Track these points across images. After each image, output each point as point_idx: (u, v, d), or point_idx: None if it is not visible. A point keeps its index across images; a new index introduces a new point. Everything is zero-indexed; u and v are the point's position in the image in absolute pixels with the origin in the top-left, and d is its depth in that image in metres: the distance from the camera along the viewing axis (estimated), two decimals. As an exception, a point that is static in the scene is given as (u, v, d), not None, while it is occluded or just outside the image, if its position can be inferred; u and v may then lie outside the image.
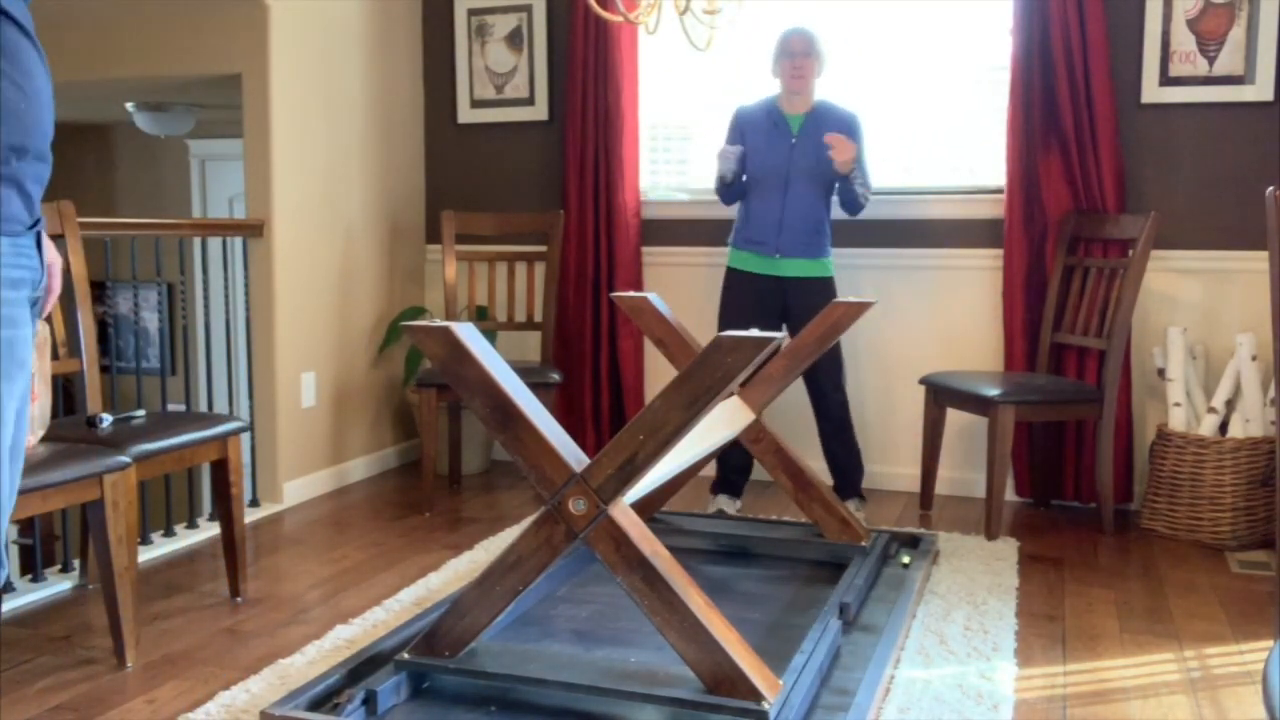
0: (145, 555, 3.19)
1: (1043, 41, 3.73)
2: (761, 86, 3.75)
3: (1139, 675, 2.45)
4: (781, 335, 1.96)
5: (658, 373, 4.15)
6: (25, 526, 3.45)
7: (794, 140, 3.59)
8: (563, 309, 4.31)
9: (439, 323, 2.04)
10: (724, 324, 3.63)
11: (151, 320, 6.27)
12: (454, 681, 2.20)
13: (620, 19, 3.05)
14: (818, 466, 3.34)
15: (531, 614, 2.66)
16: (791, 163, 3.59)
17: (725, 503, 3.72)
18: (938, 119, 4.08)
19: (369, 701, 2.08)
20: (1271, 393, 3.45)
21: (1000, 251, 3.90)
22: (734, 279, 3.69)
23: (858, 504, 3.69)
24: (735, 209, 3.75)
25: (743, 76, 4.26)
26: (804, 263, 3.59)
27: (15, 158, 1.45)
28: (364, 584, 3.06)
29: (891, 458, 4.12)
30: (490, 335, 4.28)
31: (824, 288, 3.60)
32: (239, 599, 2.92)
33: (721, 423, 2.83)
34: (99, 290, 6.04)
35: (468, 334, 2.06)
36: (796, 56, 3.58)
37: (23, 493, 2.30)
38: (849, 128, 3.59)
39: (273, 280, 3.84)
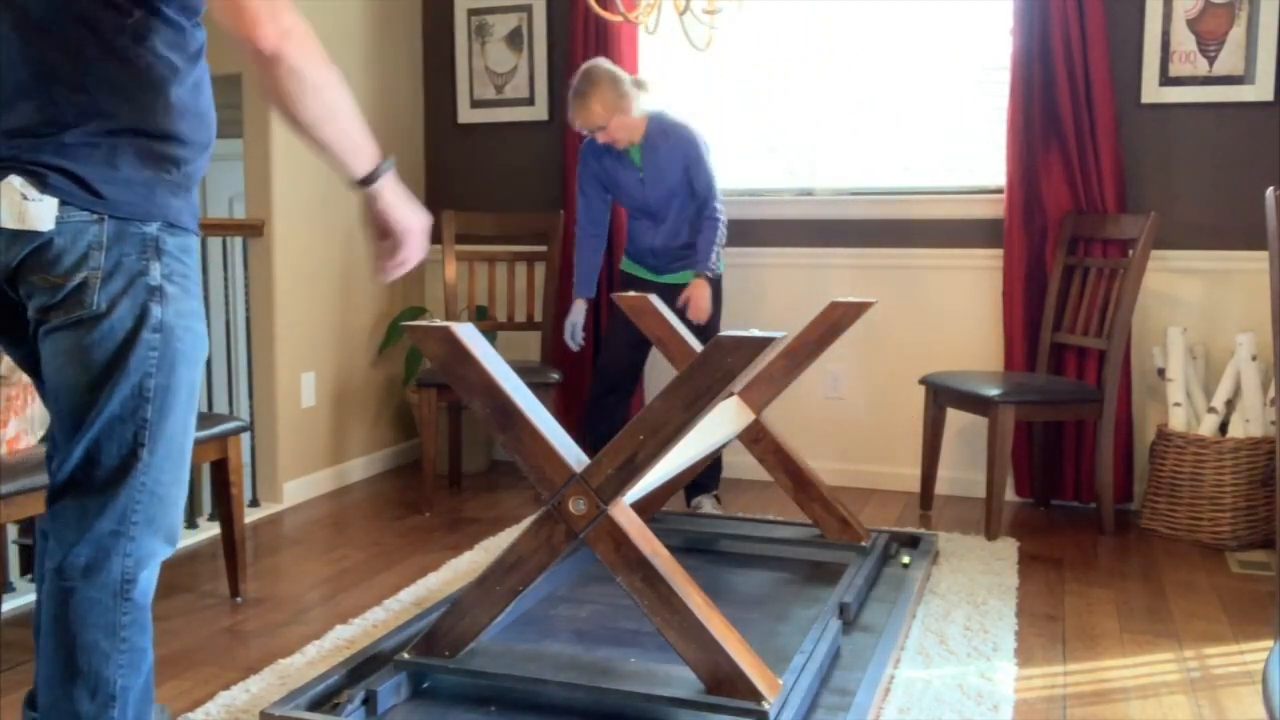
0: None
1: (1043, 41, 3.73)
2: (760, 86, 3.76)
3: (1139, 675, 2.45)
4: (782, 335, 1.96)
5: (658, 373, 4.15)
6: (25, 526, 3.45)
7: (640, 174, 3.56)
8: (563, 309, 4.30)
9: (439, 323, 2.04)
10: (617, 326, 3.64)
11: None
12: (454, 681, 2.20)
13: (620, 19, 3.06)
14: (818, 466, 3.34)
15: (531, 614, 2.66)
16: (646, 194, 3.58)
17: (706, 502, 3.71)
18: (938, 119, 4.08)
19: (369, 701, 2.08)
20: (1271, 393, 3.45)
21: (1000, 251, 3.90)
22: (626, 281, 3.78)
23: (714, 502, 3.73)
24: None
25: (743, 77, 4.26)
26: (686, 273, 3.61)
27: (203, 156, 1.61)
28: (364, 584, 3.06)
29: (891, 458, 4.12)
30: (490, 335, 4.28)
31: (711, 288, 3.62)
32: (239, 599, 2.92)
33: (721, 423, 2.83)
34: (99, 290, 6.03)
35: (468, 334, 2.06)
36: (586, 130, 3.49)
37: (23, 493, 2.30)
38: (684, 153, 3.49)
39: (272, 280, 3.84)
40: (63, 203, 1.49)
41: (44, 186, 1.48)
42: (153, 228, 1.55)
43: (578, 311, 3.75)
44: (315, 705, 2.09)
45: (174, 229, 1.58)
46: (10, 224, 1.49)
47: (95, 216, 1.50)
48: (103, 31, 1.51)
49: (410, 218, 1.62)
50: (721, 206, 3.53)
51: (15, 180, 1.48)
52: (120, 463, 1.55)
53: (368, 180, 1.57)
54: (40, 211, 1.48)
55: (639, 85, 3.51)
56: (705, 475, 3.65)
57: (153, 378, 1.54)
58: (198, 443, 2.75)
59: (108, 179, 1.51)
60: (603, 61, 3.52)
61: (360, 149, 1.56)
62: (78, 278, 1.50)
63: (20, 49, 1.52)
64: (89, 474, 1.55)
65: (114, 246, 1.52)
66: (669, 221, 3.60)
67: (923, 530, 3.51)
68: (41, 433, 2.53)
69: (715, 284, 3.61)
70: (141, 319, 1.53)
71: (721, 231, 3.51)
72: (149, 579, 1.65)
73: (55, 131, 1.50)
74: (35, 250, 1.50)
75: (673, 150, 3.51)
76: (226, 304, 4.17)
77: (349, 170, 1.56)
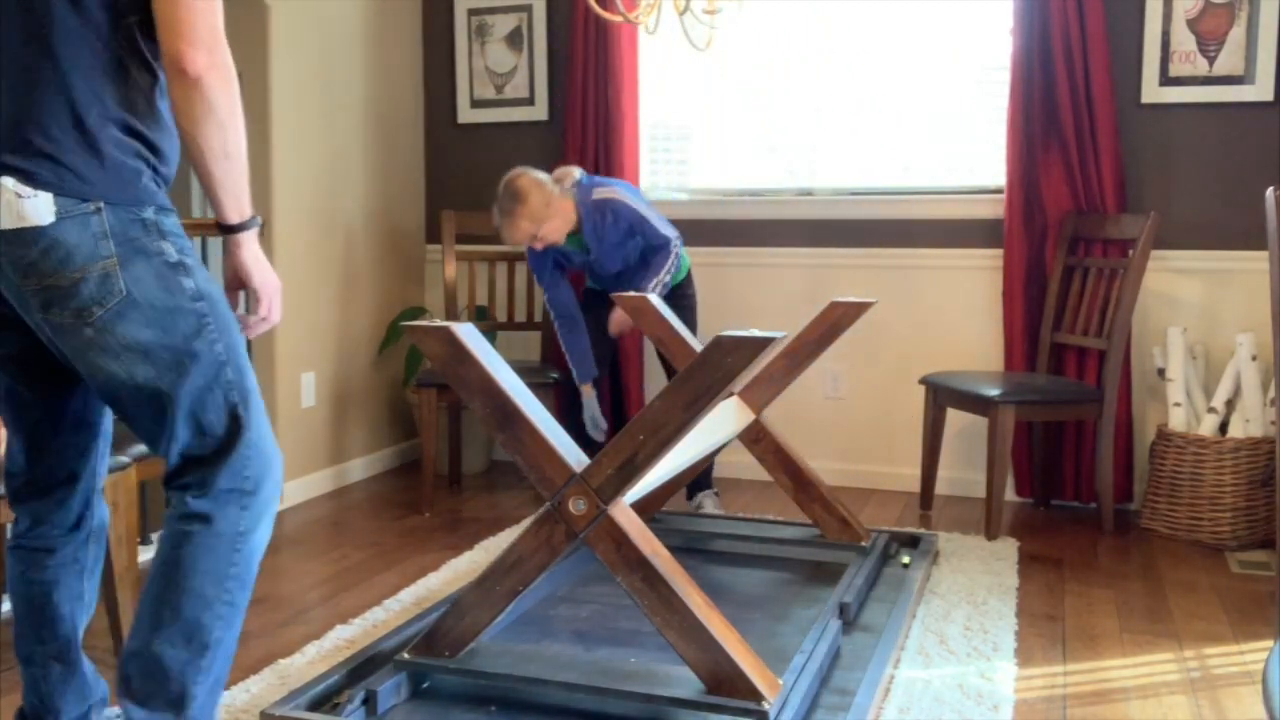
0: (145, 555, 3.18)
1: (1043, 41, 3.73)
2: (760, 86, 3.75)
3: (1139, 675, 2.45)
4: (782, 335, 1.96)
5: (658, 373, 4.15)
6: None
7: (590, 255, 3.56)
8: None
9: (439, 323, 2.04)
10: (595, 334, 3.68)
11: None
12: (454, 681, 2.20)
13: (620, 19, 3.05)
14: (818, 466, 3.34)
15: (531, 614, 2.66)
16: (603, 266, 3.59)
17: (707, 502, 3.71)
18: (938, 119, 4.08)
19: (369, 701, 2.08)
20: (1271, 393, 3.45)
21: (1000, 251, 3.90)
22: (589, 294, 3.80)
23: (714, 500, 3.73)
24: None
25: (743, 77, 4.26)
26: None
27: (172, 167, 1.71)
28: (364, 584, 3.06)
29: (891, 458, 4.12)
30: (490, 335, 4.28)
31: (682, 292, 3.63)
32: (239, 599, 2.92)
33: (721, 423, 2.83)
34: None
35: (468, 334, 2.06)
36: (520, 245, 3.50)
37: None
38: (626, 222, 3.46)
39: (273, 280, 3.83)
40: (56, 195, 1.51)
41: (35, 182, 1.51)
42: (149, 212, 1.59)
43: (590, 400, 3.70)
44: (315, 705, 2.09)
45: (166, 211, 1.62)
46: (9, 224, 1.50)
47: (93, 207, 1.53)
48: (96, 31, 1.54)
49: (269, 276, 1.74)
50: (677, 240, 3.51)
51: (7, 181, 1.50)
52: (226, 428, 1.64)
53: (237, 228, 1.67)
54: (37, 206, 1.51)
55: (559, 179, 3.49)
56: (704, 472, 3.65)
57: (219, 341, 1.61)
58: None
59: (95, 167, 1.54)
60: (519, 172, 3.45)
61: (240, 196, 1.64)
62: (96, 268, 1.53)
63: (11, 52, 1.54)
64: (202, 445, 1.64)
65: (120, 232, 1.55)
66: (628, 271, 3.62)
67: (923, 530, 3.51)
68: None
69: (684, 297, 3.62)
70: (178, 293, 1.58)
71: (672, 261, 3.49)
72: (262, 539, 1.72)
73: (39, 126, 1.52)
74: (44, 252, 1.51)
75: (615, 225, 3.48)
76: (226, 304, 4.17)
77: (224, 211, 1.65)
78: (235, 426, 1.65)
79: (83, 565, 1.88)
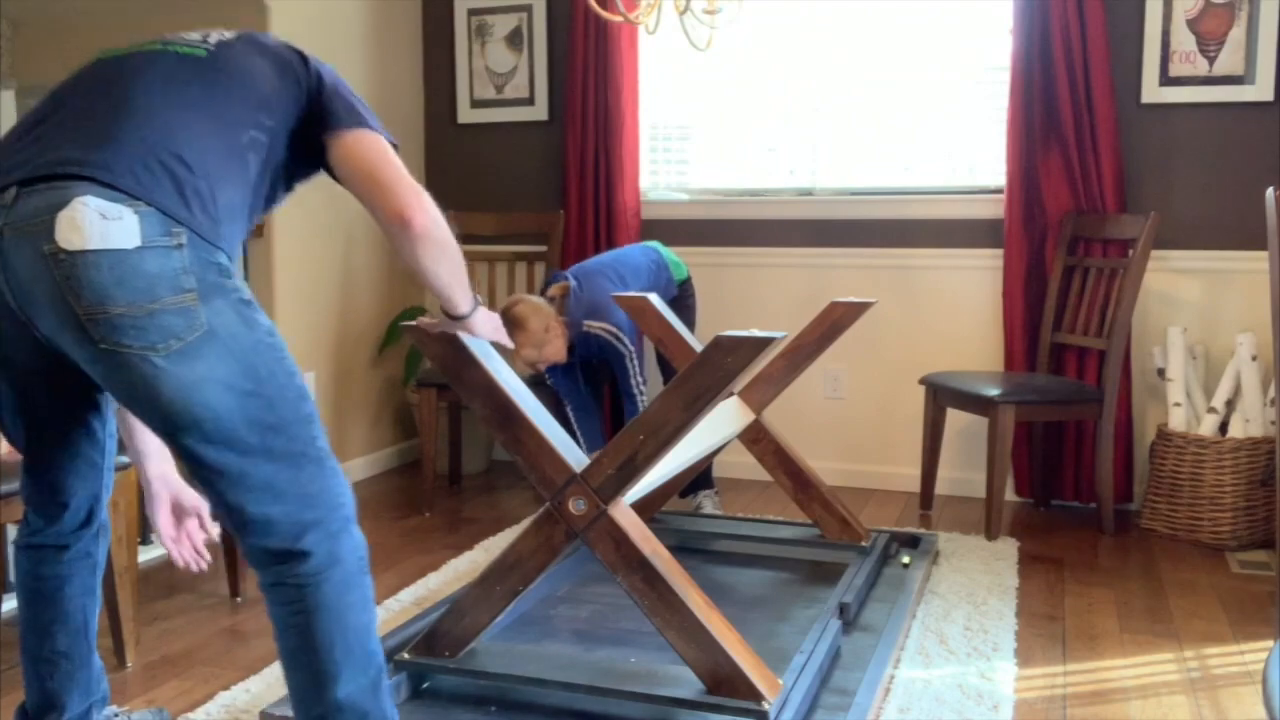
0: (145, 555, 3.18)
1: (1043, 41, 3.73)
2: (760, 86, 3.75)
3: (1139, 675, 2.46)
4: (782, 335, 1.96)
5: (657, 372, 4.15)
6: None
7: (577, 369, 3.61)
8: (563, 309, 4.31)
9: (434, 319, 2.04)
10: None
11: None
12: (454, 681, 2.21)
13: (620, 19, 3.05)
14: (818, 466, 3.34)
15: (531, 614, 2.66)
16: (588, 383, 3.67)
17: (707, 502, 3.71)
18: (938, 118, 4.08)
19: (369, 701, 2.08)
20: (1271, 393, 3.45)
21: (1000, 251, 3.90)
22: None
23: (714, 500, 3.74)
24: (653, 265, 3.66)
25: (743, 76, 4.26)
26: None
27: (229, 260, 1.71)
28: (364, 584, 3.05)
29: (891, 458, 4.12)
30: (490, 335, 4.27)
31: (682, 292, 3.65)
32: (239, 599, 2.92)
33: (721, 423, 2.83)
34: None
35: (468, 334, 2.06)
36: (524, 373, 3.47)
37: (23, 493, 2.30)
38: (611, 359, 3.47)
39: (273, 280, 3.83)
40: (142, 220, 1.50)
41: (120, 198, 1.50)
42: (221, 258, 1.59)
43: None
44: (315, 705, 2.08)
45: (232, 264, 1.63)
46: (95, 244, 1.48)
47: (175, 241, 1.52)
48: (236, 131, 1.64)
49: (494, 323, 2.06)
50: (640, 387, 3.48)
51: (90, 200, 1.49)
52: (316, 461, 1.63)
53: (468, 314, 1.94)
54: (122, 229, 1.49)
55: (553, 296, 3.47)
56: (703, 472, 3.65)
57: (295, 376, 1.62)
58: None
59: (181, 205, 1.54)
60: (516, 299, 3.41)
61: (465, 288, 1.89)
62: (176, 301, 1.51)
63: (148, 100, 1.60)
64: (295, 480, 1.60)
65: (199, 269, 1.54)
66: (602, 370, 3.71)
67: (923, 530, 3.51)
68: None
69: (684, 298, 3.65)
70: (255, 328, 1.58)
71: (633, 381, 3.48)
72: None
73: (137, 167, 1.54)
74: (119, 279, 1.48)
75: (600, 353, 3.50)
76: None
77: (456, 305, 1.91)
78: (322, 457, 1.64)
79: (95, 560, 1.89)
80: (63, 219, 1.47)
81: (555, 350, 3.40)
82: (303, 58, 1.79)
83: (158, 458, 1.96)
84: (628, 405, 3.49)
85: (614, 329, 3.41)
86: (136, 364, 1.50)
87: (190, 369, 1.51)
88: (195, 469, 1.58)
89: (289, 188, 1.84)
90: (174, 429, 1.55)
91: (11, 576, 3.02)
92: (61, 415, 1.76)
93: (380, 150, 1.72)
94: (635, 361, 3.45)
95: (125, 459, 2.50)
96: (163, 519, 1.97)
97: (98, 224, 1.47)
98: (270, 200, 1.79)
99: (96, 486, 1.86)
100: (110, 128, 1.57)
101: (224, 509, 1.60)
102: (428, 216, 1.71)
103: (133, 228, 1.49)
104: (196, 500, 2.00)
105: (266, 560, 1.61)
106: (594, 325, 3.41)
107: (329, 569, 1.61)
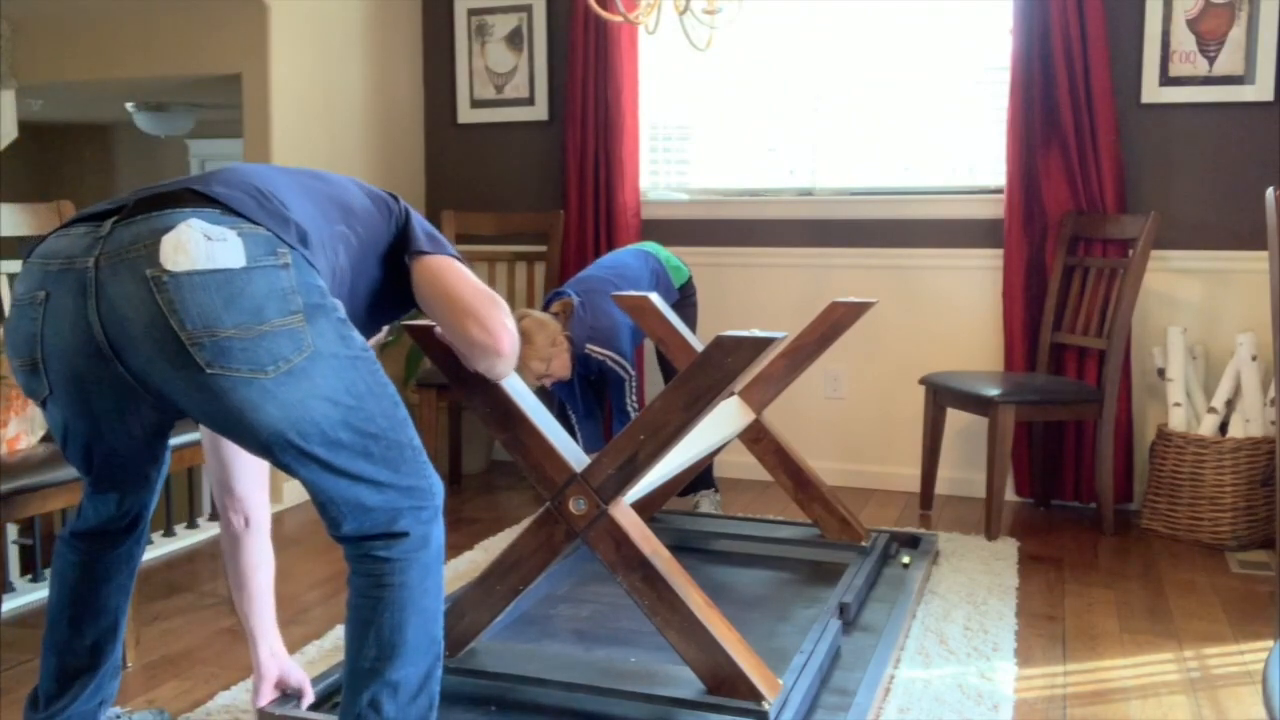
0: (145, 555, 3.18)
1: (1043, 41, 3.73)
2: (760, 86, 3.75)
3: (1139, 675, 2.46)
4: (782, 335, 1.96)
5: (657, 372, 4.15)
6: (25, 526, 3.45)
7: (573, 388, 3.58)
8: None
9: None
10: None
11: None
12: (454, 681, 2.20)
13: (620, 19, 3.05)
14: (818, 466, 3.34)
15: (531, 614, 2.66)
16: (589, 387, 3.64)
17: (705, 502, 3.71)
18: (938, 118, 4.08)
19: (369, 701, 2.08)
20: (1271, 393, 3.45)
21: (1000, 251, 3.90)
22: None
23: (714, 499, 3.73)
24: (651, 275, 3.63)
25: (743, 76, 4.26)
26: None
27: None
28: (364, 584, 3.05)
29: (891, 458, 4.12)
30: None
31: (683, 292, 3.63)
32: (239, 599, 2.92)
33: (722, 422, 2.83)
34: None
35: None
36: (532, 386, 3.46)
37: (23, 492, 2.30)
38: (610, 381, 3.48)
39: (273, 280, 3.83)
40: (246, 241, 1.51)
41: (223, 219, 1.52)
42: (321, 280, 1.61)
43: None
44: (315, 705, 2.09)
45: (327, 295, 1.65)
46: (202, 264, 1.48)
47: (281, 261, 1.53)
48: (330, 218, 1.71)
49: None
50: (634, 407, 3.48)
51: (196, 222, 1.50)
52: (412, 460, 1.67)
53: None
54: (228, 250, 1.50)
55: (558, 312, 3.45)
56: (703, 472, 3.65)
57: (388, 386, 1.67)
58: (199, 443, 2.75)
59: (283, 228, 1.58)
60: (521, 314, 3.36)
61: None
62: (284, 323, 1.51)
63: (248, 169, 1.66)
64: (394, 477, 1.65)
65: (304, 289, 1.55)
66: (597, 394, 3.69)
67: (923, 530, 3.51)
68: (42, 432, 2.53)
69: (685, 298, 3.63)
70: (352, 345, 1.61)
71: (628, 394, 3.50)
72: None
73: (237, 194, 1.59)
74: (228, 300, 1.48)
75: (599, 372, 3.50)
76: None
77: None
78: (418, 464, 1.69)
79: (135, 561, 1.90)
80: (167, 241, 1.48)
81: (561, 365, 3.38)
82: (394, 195, 1.89)
83: (271, 635, 2.04)
84: (618, 419, 3.50)
85: (617, 356, 3.41)
86: (242, 387, 1.50)
87: (296, 388, 1.52)
88: (294, 474, 1.61)
89: (377, 321, 1.91)
90: (275, 446, 1.57)
91: (12, 576, 3.03)
92: (131, 451, 1.75)
93: (458, 275, 1.80)
94: (633, 385, 3.46)
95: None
96: (265, 694, 2.04)
97: (203, 245, 1.48)
98: (367, 323, 1.84)
99: (149, 497, 1.87)
100: (207, 177, 1.62)
101: (320, 505, 1.63)
102: (513, 339, 1.82)
103: (238, 248, 1.49)
104: (303, 679, 2.07)
105: (359, 538, 1.65)
106: (596, 350, 3.41)
107: (419, 551, 1.65)
